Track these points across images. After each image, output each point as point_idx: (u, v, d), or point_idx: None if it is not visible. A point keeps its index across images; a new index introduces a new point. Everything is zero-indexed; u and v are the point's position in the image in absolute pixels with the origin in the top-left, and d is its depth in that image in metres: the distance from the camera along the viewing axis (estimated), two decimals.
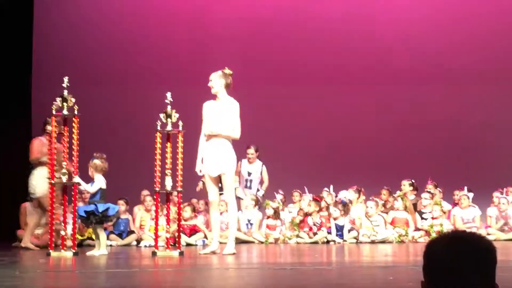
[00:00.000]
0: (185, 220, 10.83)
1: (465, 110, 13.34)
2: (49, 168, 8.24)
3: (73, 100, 8.03)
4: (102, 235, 8.37)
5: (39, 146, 9.55)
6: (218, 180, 8.28)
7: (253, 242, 10.99)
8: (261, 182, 11.66)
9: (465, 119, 13.27)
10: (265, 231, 11.20)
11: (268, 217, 11.25)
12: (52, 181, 8.14)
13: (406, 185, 11.81)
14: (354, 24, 13.37)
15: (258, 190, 11.56)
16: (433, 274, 1.95)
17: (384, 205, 11.53)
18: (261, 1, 13.58)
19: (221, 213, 9.48)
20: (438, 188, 11.80)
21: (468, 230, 2.05)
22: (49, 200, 8.24)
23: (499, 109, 13.36)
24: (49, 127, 8.53)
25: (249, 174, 11.53)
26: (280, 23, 13.37)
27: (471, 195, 11.46)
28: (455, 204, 11.76)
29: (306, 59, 13.30)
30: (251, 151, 11.44)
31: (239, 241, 10.91)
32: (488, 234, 11.26)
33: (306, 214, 11.20)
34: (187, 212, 10.93)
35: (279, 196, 11.52)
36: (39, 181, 9.28)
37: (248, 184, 11.54)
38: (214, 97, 8.31)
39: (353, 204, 11.48)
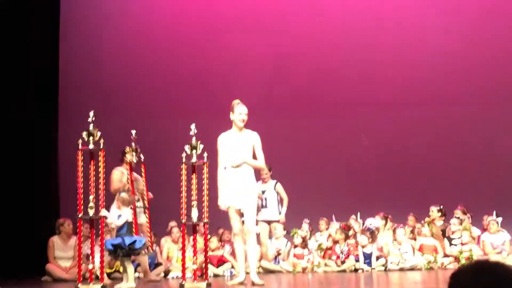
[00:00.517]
0: (212, 251, 10.84)
1: (495, 132, 13.22)
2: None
3: (99, 133, 8.10)
4: (130, 267, 8.37)
5: (118, 176, 9.69)
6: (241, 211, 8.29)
7: (280, 271, 10.94)
8: (281, 200, 11.50)
9: (494, 142, 13.17)
10: (292, 260, 11.15)
11: (296, 246, 11.20)
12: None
13: (434, 211, 11.72)
14: (370, 51, 13.39)
15: (279, 213, 11.37)
16: None
17: (412, 232, 11.44)
18: (277, 36, 13.63)
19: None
20: (467, 214, 11.69)
21: (491, 259, 2.03)
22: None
23: None
24: (128, 156, 8.65)
25: (263, 192, 11.40)
26: (299, 54, 13.44)
27: (500, 219, 11.34)
28: (484, 229, 11.64)
29: (325, 88, 13.35)
30: (265, 171, 11.32)
31: (266, 271, 10.89)
32: None
33: (334, 242, 11.15)
34: (213, 242, 10.94)
35: (305, 226, 11.47)
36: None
37: (264, 203, 11.33)
38: (228, 128, 8.36)
39: (380, 231, 11.41)
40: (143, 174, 8.71)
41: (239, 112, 8.29)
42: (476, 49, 13.34)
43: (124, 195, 8.41)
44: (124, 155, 9.19)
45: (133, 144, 8.51)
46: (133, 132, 8.41)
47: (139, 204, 8.86)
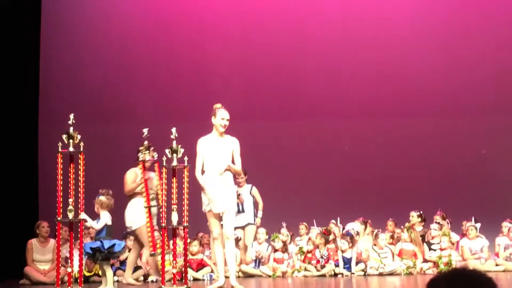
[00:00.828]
0: (193, 255, 10.83)
1: (472, 140, 13.35)
2: (145, 196, 8.46)
3: (79, 136, 8.06)
4: (109, 271, 8.35)
5: (132, 177, 9.72)
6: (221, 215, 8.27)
7: (260, 275, 10.94)
8: (256, 205, 11.29)
9: (472, 149, 13.28)
10: (272, 264, 11.15)
11: (276, 250, 11.19)
12: (146, 206, 8.38)
13: (414, 216, 11.78)
14: (354, 58, 13.45)
15: (255, 216, 11.24)
16: None
17: (391, 237, 11.49)
18: (260, 38, 13.65)
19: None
20: (446, 219, 11.76)
21: (469, 267, 2.03)
22: (146, 231, 8.47)
23: (507, 139, 13.34)
24: (140, 155, 8.59)
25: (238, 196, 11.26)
26: (281, 57, 13.46)
27: (478, 225, 11.42)
28: (463, 235, 11.71)
29: (310, 92, 13.38)
30: (241, 175, 11.02)
31: (246, 275, 10.89)
32: (497, 264, 11.21)
33: (315, 247, 11.17)
34: (194, 246, 10.93)
35: (283, 230, 11.45)
36: (135, 212, 9.36)
37: (241, 208, 11.07)
38: (209, 132, 8.35)
39: (360, 236, 11.45)
40: (157, 173, 8.57)
41: (221, 117, 8.25)
42: (444, 58, 13.44)
43: (102, 198, 8.37)
44: (137, 153, 8.95)
45: (145, 142, 8.40)
46: (145, 130, 8.30)
47: (154, 203, 8.78)
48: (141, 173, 8.72)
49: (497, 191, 13.06)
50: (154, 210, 8.89)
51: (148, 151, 8.54)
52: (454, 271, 2.05)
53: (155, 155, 8.87)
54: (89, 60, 13.45)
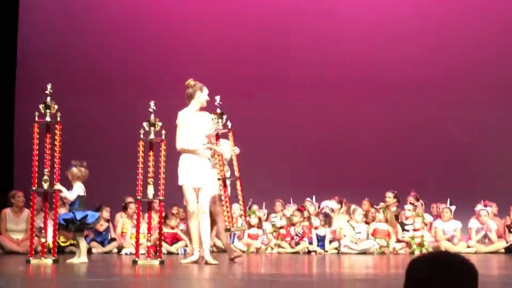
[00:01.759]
0: (172, 228, 10.86)
1: (449, 123, 13.44)
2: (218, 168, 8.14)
3: (56, 107, 8.00)
4: (83, 243, 8.33)
5: None
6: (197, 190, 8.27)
7: (234, 251, 10.96)
8: None
9: (448, 133, 13.37)
10: (247, 240, 11.19)
11: (251, 226, 11.20)
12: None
13: (391, 197, 11.85)
14: (335, 30, 13.44)
15: None
16: None
17: (365, 216, 11.56)
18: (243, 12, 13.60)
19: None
20: (420, 201, 11.86)
21: (452, 252, 2.04)
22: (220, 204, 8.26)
23: (482, 124, 13.44)
24: (213, 125, 8.24)
25: None
26: (263, 28, 13.42)
27: (453, 208, 11.52)
28: (436, 216, 11.82)
29: (289, 65, 13.36)
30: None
31: (220, 250, 10.92)
32: (469, 246, 11.35)
33: (290, 224, 11.22)
34: (172, 220, 10.94)
35: (254, 206, 11.42)
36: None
37: None
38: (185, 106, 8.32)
39: (335, 215, 11.52)
40: (231, 142, 8.40)
41: (207, 93, 8.31)
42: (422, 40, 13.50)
43: (74, 169, 8.32)
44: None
45: (218, 110, 8.25)
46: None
47: (228, 174, 8.45)
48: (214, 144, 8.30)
49: (471, 175, 13.19)
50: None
51: (221, 119, 8.36)
52: (436, 254, 2.05)
53: (230, 124, 8.36)
54: (68, 30, 13.31)
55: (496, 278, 7.19)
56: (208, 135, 8.15)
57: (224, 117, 8.31)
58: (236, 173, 8.30)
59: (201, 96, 8.30)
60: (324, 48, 13.43)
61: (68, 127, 8.39)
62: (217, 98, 8.26)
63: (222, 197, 8.22)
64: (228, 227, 8.26)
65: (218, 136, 8.31)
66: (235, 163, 8.33)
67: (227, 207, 8.17)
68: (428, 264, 1.97)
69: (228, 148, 8.47)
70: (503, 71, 13.42)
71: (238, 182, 8.30)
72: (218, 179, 8.20)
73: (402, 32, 13.52)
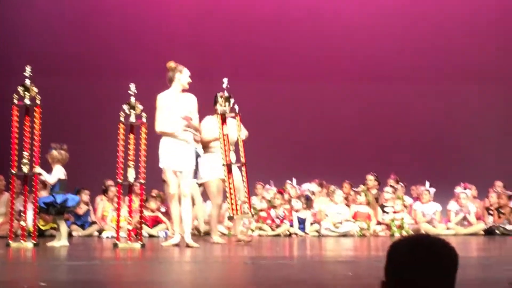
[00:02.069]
0: (153, 211, 10.84)
1: (429, 108, 13.54)
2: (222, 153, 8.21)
3: (36, 89, 7.94)
4: (63, 226, 8.31)
5: (209, 125, 8.87)
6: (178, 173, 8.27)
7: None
8: None
9: (428, 117, 13.45)
10: (227, 223, 11.19)
11: None
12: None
13: (371, 180, 11.89)
14: (332, 20, 13.46)
15: None
16: (394, 275, 1.97)
17: (346, 199, 11.61)
18: None
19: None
20: (400, 183, 11.92)
21: (432, 235, 2.06)
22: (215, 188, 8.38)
23: (463, 107, 13.54)
24: (219, 107, 8.30)
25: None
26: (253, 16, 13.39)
27: (432, 190, 11.60)
28: (416, 198, 11.90)
29: (277, 54, 13.36)
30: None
31: (203, 233, 10.93)
32: (448, 228, 11.44)
33: (271, 206, 11.23)
34: (151, 203, 10.92)
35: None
36: (206, 165, 8.74)
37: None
38: (166, 88, 8.30)
39: (316, 197, 11.56)
40: (238, 127, 8.39)
41: (189, 74, 8.27)
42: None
43: (54, 152, 8.28)
44: (215, 105, 8.52)
45: (225, 93, 8.14)
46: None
47: (234, 160, 8.34)
48: (219, 127, 8.34)
49: (450, 157, 13.29)
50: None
51: (228, 103, 8.24)
52: (417, 237, 2.07)
53: (237, 108, 8.38)
54: (48, 13, 13.19)
55: (475, 259, 7.26)
56: (185, 117, 8.12)
57: (232, 100, 8.30)
58: (242, 159, 8.30)
59: (182, 77, 8.27)
60: (312, 38, 13.42)
61: (48, 110, 8.33)
62: (225, 80, 8.26)
63: (226, 184, 8.21)
64: (231, 214, 8.29)
65: (225, 119, 8.30)
66: (241, 148, 8.33)
67: (231, 194, 8.17)
68: (408, 247, 1.99)
69: (234, 130, 8.49)
70: (487, 58, 13.52)
71: (243, 169, 8.31)
72: (223, 164, 8.20)
73: (385, 21, 13.55)
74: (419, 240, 2.01)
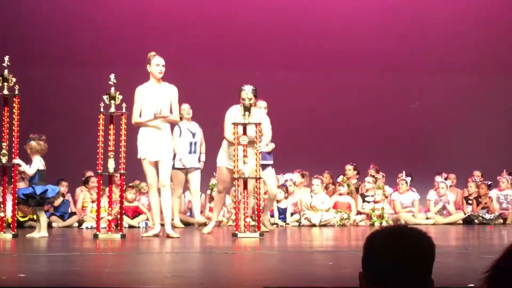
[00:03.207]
0: (129, 202, 10.80)
1: (408, 97, 13.60)
2: None
3: (14, 79, 7.89)
4: (43, 217, 8.27)
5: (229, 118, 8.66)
6: (157, 164, 8.25)
7: (195, 223, 10.97)
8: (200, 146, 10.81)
9: (408, 107, 13.52)
10: (208, 213, 11.19)
11: (213, 199, 11.16)
12: None
13: (351, 170, 11.94)
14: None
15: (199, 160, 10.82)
16: (371, 266, 1.98)
17: (325, 187, 11.65)
18: None
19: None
20: (380, 173, 11.98)
21: (409, 226, 2.07)
22: None
23: (441, 97, 13.62)
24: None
25: (193, 135, 10.61)
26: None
27: (408, 179, 11.67)
28: (396, 188, 11.97)
29: (259, 43, 13.35)
30: (186, 107, 10.46)
31: (182, 223, 10.93)
32: (427, 218, 11.52)
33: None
34: (130, 193, 10.89)
35: (213, 180, 11.40)
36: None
37: (193, 149, 10.59)
38: (146, 80, 8.27)
39: (298, 187, 11.57)
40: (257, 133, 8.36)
41: (157, 63, 8.19)
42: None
43: (33, 143, 8.24)
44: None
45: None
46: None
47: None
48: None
49: (429, 147, 13.37)
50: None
51: (248, 112, 8.21)
52: (394, 227, 2.08)
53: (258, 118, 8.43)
54: (27, 2, 13.07)
55: (453, 248, 7.32)
56: (156, 117, 8.09)
57: (253, 109, 8.29)
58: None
59: (150, 69, 8.24)
60: (299, 26, 13.44)
61: (26, 100, 8.27)
62: (246, 88, 8.24)
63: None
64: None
65: (245, 130, 8.27)
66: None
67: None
68: (384, 238, 1.99)
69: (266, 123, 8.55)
70: (466, 50, 13.62)
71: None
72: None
73: (362, 10, 13.59)
74: (395, 231, 2.02)
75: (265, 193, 9.94)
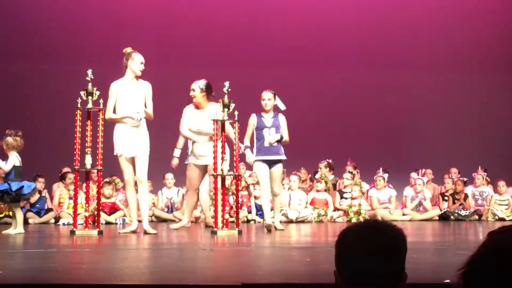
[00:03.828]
0: (107, 198, 10.76)
1: (385, 94, 13.67)
2: None
3: None
4: (19, 213, 8.22)
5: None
6: (133, 160, 8.24)
7: (174, 220, 10.96)
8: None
9: (384, 103, 13.59)
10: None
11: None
12: None
13: (322, 167, 11.98)
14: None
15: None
16: (344, 263, 1.99)
17: (303, 182, 11.68)
18: None
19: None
20: (356, 169, 12.04)
21: (379, 220, 2.09)
22: None
23: (417, 94, 13.71)
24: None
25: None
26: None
27: (386, 176, 11.74)
28: (373, 185, 12.04)
29: (242, 40, 13.36)
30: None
31: (159, 220, 10.92)
32: (404, 214, 11.61)
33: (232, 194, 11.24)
34: (107, 189, 10.86)
35: None
36: None
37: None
38: (121, 76, 8.27)
39: None
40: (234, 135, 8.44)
41: (140, 61, 8.19)
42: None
43: (9, 139, 8.18)
44: None
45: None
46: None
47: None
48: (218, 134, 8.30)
49: (406, 143, 13.45)
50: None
51: (227, 109, 8.19)
52: (365, 222, 2.10)
53: (236, 114, 8.36)
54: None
55: (429, 244, 7.38)
56: (136, 117, 8.09)
57: (232, 106, 8.25)
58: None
59: (133, 64, 8.21)
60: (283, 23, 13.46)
61: (3, 95, 8.22)
62: (226, 84, 8.20)
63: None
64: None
65: (223, 126, 8.26)
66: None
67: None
68: (355, 234, 2.01)
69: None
70: (446, 47, 13.72)
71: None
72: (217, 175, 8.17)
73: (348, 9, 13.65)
74: (364, 226, 2.03)
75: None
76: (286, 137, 8.75)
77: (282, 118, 8.85)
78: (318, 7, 13.63)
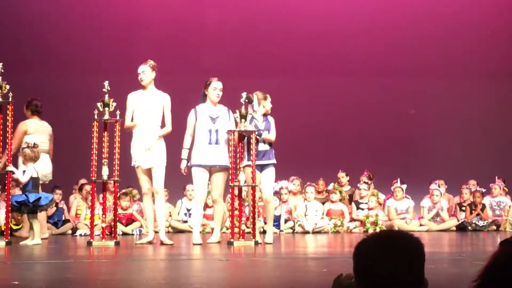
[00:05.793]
0: (123, 209, 10.78)
1: (403, 103, 13.61)
2: None
3: (8, 87, 7.88)
4: (36, 225, 8.25)
5: None
6: (150, 171, 8.27)
7: (190, 231, 10.95)
8: None
9: (402, 113, 13.54)
10: (202, 220, 11.17)
11: (208, 206, 11.17)
12: None
13: (344, 177, 11.97)
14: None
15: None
16: (363, 274, 1.99)
17: (320, 193, 11.66)
18: None
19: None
20: (372, 179, 12.00)
21: (396, 229, 2.09)
22: None
23: (438, 105, 13.64)
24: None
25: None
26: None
27: (404, 186, 11.69)
28: (392, 195, 11.98)
29: (245, 51, 13.35)
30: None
31: (176, 230, 10.94)
32: (421, 224, 11.54)
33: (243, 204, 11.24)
34: (124, 201, 10.88)
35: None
36: None
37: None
38: (140, 87, 8.33)
39: (292, 196, 11.57)
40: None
41: (140, 70, 8.33)
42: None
43: (26, 150, 8.23)
44: None
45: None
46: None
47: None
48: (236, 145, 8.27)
49: (424, 154, 13.38)
50: None
51: (244, 120, 8.15)
52: (382, 232, 2.09)
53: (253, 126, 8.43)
54: (20, 8, 13.06)
55: (447, 255, 7.34)
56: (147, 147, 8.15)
57: (249, 117, 8.26)
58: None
59: (152, 75, 8.34)
60: (288, 31, 13.46)
61: (20, 107, 8.27)
62: (243, 95, 8.19)
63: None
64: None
65: (241, 137, 8.25)
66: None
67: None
68: (373, 244, 2.00)
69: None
70: (463, 54, 13.65)
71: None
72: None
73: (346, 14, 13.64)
74: (382, 236, 2.03)
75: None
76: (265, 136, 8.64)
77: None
78: (325, 14, 13.62)
